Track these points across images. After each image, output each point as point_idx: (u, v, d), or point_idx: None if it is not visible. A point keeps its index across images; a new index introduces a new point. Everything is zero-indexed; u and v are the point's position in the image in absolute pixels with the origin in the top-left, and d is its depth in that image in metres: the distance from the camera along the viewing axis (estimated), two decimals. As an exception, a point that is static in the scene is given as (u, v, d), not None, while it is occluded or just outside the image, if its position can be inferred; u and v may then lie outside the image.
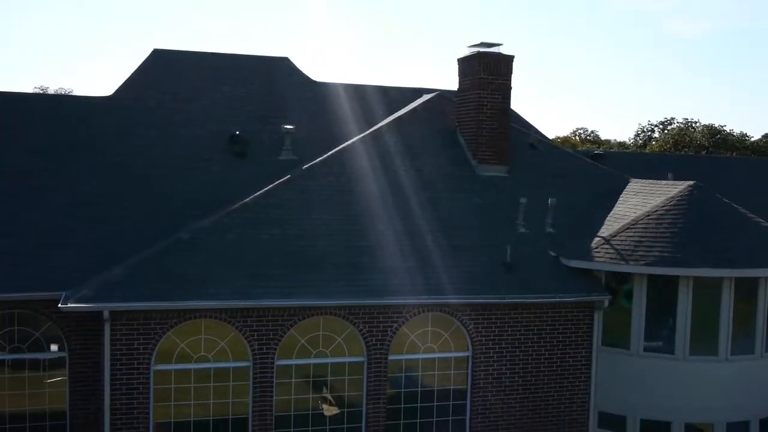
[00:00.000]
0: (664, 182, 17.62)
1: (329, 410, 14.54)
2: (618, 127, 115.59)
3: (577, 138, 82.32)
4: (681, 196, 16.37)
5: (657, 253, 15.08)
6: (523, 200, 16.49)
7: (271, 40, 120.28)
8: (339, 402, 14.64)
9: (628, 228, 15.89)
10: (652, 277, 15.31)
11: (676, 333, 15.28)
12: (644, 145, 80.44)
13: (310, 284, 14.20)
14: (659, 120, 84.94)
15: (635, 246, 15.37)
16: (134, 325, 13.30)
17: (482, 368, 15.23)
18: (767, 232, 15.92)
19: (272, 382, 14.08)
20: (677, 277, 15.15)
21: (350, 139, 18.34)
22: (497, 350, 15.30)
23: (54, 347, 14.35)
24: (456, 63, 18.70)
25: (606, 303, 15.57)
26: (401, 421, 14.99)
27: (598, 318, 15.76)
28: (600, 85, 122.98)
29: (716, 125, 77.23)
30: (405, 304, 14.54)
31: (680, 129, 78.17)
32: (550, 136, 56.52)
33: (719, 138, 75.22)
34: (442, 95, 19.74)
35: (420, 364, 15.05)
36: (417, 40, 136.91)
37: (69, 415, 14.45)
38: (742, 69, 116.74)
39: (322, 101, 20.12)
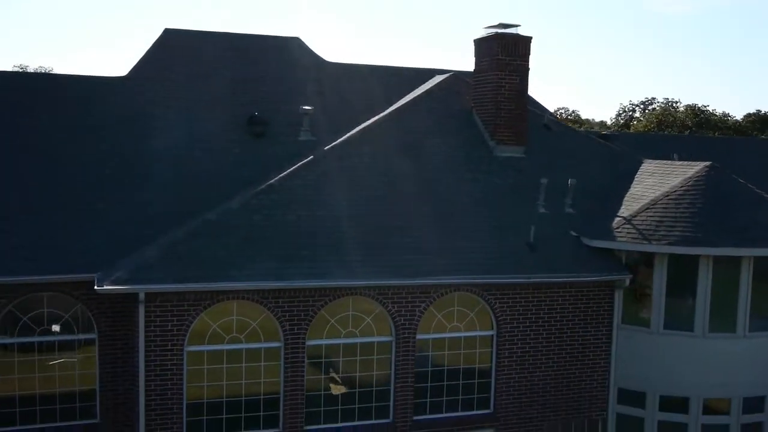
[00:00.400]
0: (679, 163, 17.86)
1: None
2: (599, 106, 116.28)
3: (558, 118, 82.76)
4: (698, 176, 16.61)
5: (678, 233, 15.33)
6: (543, 181, 16.65)
7: (273, 21, 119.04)
8: (368, 381, 14.79)
9: (648, 208, 16.11)
10: (672, 257, 15.58)
11: (695, 311, 15.58)
12: (626, 125, 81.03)
13: (340, 265, 14.28)
14: (640, 100, 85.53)
15: (656, 226, 15.60)
16: (168, 306, 13.32)
17: (506, 347, 15.44)
18: (783, 211, 16.22)
19: (303, 361, 14.19)
20: (697, 256, 15.42)
21: (367, 120, 18.37)
22: (521, 329, 15.51)
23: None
24: (473, 44, 18.74)
25: (627, 282, 15.82)
26: (428, 399, 15.18)
27: (618, 296, 16.02)
28: (580, 65, 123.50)
29: (699, 105, 77.94)
30: (433, 284, 14.67)
31: (664, 109, 78.83)
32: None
33: (702, 118, 75.99)
34: (456, 76, 19.78)
35: (446, 343, 15.22)
36: (409, 21, 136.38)
37: (98, 397, 14.46)
38: (723, 48, 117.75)
39: (336, 82, 20.08)
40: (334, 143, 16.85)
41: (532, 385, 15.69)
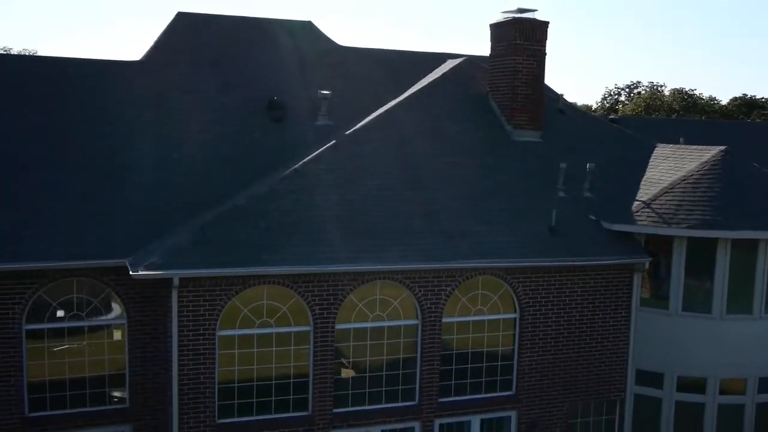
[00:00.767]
0: (693, 147, 18.08)
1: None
2: (583, 90, 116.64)
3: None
4: (714, 161, 16.84)
5: (698, 217, 15.57)
6: (563, 165, 16.81)
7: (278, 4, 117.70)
8: (394, 364, 14.95)
9: (666, 192, 16.33)
10: (690, 240, 15.83)
11: (713, 293, 15.86)
12: (612, 109, 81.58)
13: (368, 249, 14.39)
14: (626, 84, 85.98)
15: (675, 210, 15.83)
16: (200, 291, 13.38)
17: (529, 329, 15.65)
18: (798, 195, 16.51)
19: (332, 345, 14.31)
20: (715, 239, 15.69)
21: (383, 104, 18.42)
22: (543, 312, 15.73)
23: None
24: (488, 28, 18.82)
25: (646, 265, 16.07)
26: (452, 382, 15.39)
27: (637, 279, 16.27)
28: (564, 48, 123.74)
29: (686, 89, 78.52)
30: (459, 268, 14.82)
31: (651, 93, 79.33)
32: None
33: (690, 102, 76.61)
34: (470, 60, 19.85)
35: (470, 326, 15.41)
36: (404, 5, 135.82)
37: (128, 381, 14.51)
38: (708, 31, 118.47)
39: (349, 66, 20.05)
40: (355, 128, 16.90)
41: (554, 367, 15.93)
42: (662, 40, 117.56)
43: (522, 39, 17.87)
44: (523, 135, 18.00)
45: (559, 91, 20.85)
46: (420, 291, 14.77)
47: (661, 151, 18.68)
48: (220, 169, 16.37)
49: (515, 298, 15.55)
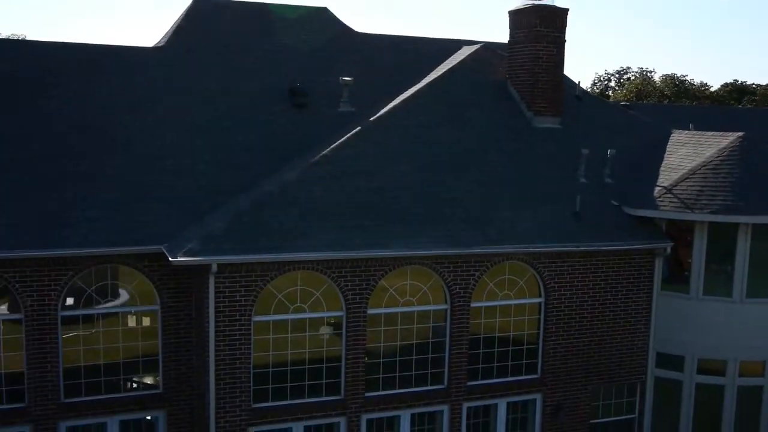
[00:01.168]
0: (710, 133, 18.31)
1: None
2: (573, 76, 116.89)
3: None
4: (733, 147, 17.08)
5: (720, 202, 15.82)
6: (585, 151, 16.99)
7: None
8: (424, 348, 15.14)
9: (687, 178, 16.56)
10: (711, 224, 16.08)
11: (734, 277, 16.14)
12: (602, 95, 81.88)
13: (398, 235, 14.53)
14: (615, 69, 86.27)
15: (697, 195, 16.07)
16: (236, 277, 13.47)
17: (554, 313, 15.88)
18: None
19: (364, 330, 14.47)
20: (736, 224, 15.95)
21: (402, 91, 18.51)
22: (568, 296, 15.95)
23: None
24: (507, 15, 18.91)
25: (668, 250, 16.31)
26: (480, 366, 15.60)
27: (658, 264, 16.52)
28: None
29: (678, 75, 78.94)
30: (488, 253, 15.00)
31: (643, 78, 79.70)
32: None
33: (681, 88, 77.05)
34: (487, 47, 19.95)
35: (497, 310, 15.61)
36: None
37: (161, 367, 14.60)
38: (697, 17, 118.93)
39: (366, 52, 20.09)
40: (378, 114, 16.99)
41: (578, 350, 16.18)
42: (651, 25, 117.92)
43: (543, 26, 17.99)
44: (544, 121, 18.16)
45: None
46: (449, 276, 14.95)
47: (677, 137, 18.89)
48: (245, 155, 16.40)
49: (541, 283, 15.75)
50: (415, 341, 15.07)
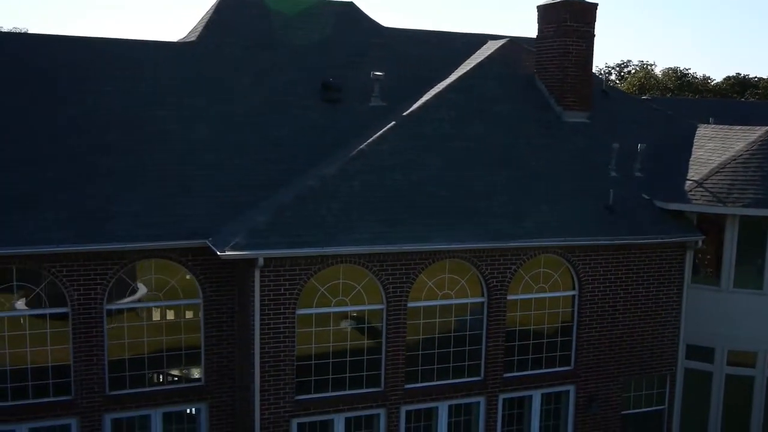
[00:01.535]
0: (737, 128, 18.49)
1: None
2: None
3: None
4: (762, 141, 17.25)
5: (752, 195, 16.00)
6: (615, 145, 17.15)
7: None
8: (461, 340, 15.32)
9: (717, 172, 16.74)
10: (742, 218, 16.26)
11: (764, 270, 16.34)
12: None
13: (438, 229, 14.69)
14: (616, 62, 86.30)
15: (729, 189, 16.25)
16: (281, 271, 13.62)
17: (587, 306, 16.07)
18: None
19: (405, 323, 14.64)
20: (766, 217, 16.13)
21: (430, 85, 18.63)
22: (601, 289, 16.14)
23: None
24: (536, 10, 19.03)
25: (699, 243, 16.49)
26: (515, 358, 15.78)
27: (689, 257, 16.71)
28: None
29: (681, 68, 79.10)
30: (525, 246, 15.17)
31: (646, 72, 79.82)
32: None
33: (684, 81, 77.22)
34: (513, 41, 20.05)
35: (533, 303, 15.78)
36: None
37: (203, 360, 14.75)
38: (702, 11, 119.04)
39: (392, 47, 20.16)
40: (411, 109, 17.10)
41: (610, 342, 16.37)
42: (651, 18, 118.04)
43: (572, 21, 18.11)
44: (573, 116, 18.30)
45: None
46: (487, 269, 15.11)
47: (704, 131, 19.07)
48: (280, 150, 16.51)
49: (575, 276, 15.93)
50: (452, 334, 15.24)
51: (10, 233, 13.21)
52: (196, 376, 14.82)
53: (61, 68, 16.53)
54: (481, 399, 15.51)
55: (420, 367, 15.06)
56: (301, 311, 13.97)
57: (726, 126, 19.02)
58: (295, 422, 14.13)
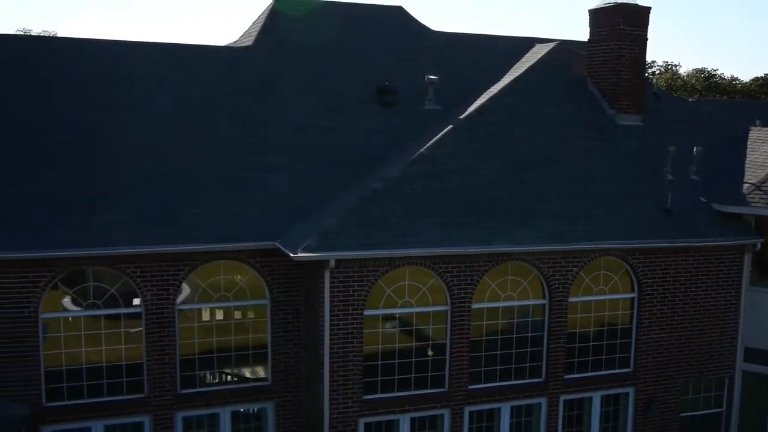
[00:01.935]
0: (791, 130, 18.51)
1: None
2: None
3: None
4: (818, 143, 17.28)
5: (811, 198, 16.03)
6: (671, 148, 17.22)
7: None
8: (523, 342, 15.45)
9: (775, 174, 16.77)
10: (801, 221, 16.30)
11: (824, 272, 16.36)
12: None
13: (501, 231, 14.84)
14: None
15: (787, 192, 16.29)
16: (350, 272, 13.82)
17: (647, 308, 16.14)
18: None
19: (469, 324, 14.80)
20: (826, 220, 16.17)
21: (483, 88, 18.76)
22: (660, 291, 16.21)
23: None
24: (588, 14, 19.13)
25: (758, 245, 16.53)
26: (575, 360, 15.89)
27: (747, 260, 16.74)
28: (576, 25, 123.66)
29: (708, 69, 78.55)
30: (586, 249, 15.28)
31: (672, 73, 79.38)
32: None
33: (712, 82, 76.69)
34: (563, 45, 20.15)
35: (593, 305, 15.89)
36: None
37: (270, 360, 14.99)
38: (729, 11, 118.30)
39: (442, 51, 20.33)
40: (467, 113, 17.26)
41: (669, 344, 16.44)
42: (674, 18, 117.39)
43: (626, 24, 18.20)
44: (626, 119, 18.38)
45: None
46: (549, 272, 15.24)
47: (757, 134, 19.09)
48: (339, 153, 16.71)
49: (634, 278, 16.02)
50: (514, 335, 15.38)
51: (86, 235, 13.51)
52: (263, 376, 15.04)
53: (121, 72, 16.79)
54: (543, 400, 15.63)
55: (483, 368, 15.21)
56: (368, 312, 14.16)
57: (780, 128, 19.03)
58: (362, 422, 14.33)
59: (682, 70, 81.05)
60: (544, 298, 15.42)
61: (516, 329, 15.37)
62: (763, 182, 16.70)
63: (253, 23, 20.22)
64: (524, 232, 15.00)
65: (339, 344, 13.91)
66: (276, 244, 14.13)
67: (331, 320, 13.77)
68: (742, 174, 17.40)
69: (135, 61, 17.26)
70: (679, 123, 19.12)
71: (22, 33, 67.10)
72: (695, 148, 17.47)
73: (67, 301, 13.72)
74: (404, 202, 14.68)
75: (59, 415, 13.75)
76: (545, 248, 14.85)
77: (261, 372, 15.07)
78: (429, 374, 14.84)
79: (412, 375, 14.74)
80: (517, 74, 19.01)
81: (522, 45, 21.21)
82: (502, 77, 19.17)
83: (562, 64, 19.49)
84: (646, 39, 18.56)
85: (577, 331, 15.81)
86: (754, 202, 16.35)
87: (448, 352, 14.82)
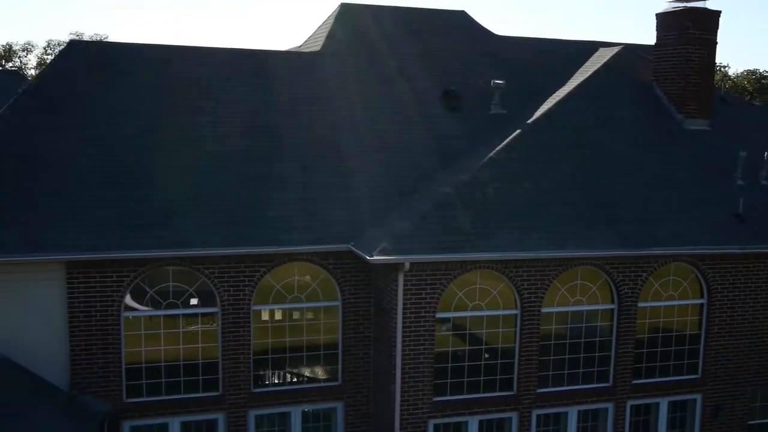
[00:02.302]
0: None
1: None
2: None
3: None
4: None
5: None
6: (743, 153, 17.06)
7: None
8: (591, 347, 15.46)
9: None
10: None
11: None
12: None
13: (572, 236, 14.87)
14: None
15: None
16: (423, 275, 13.99)
17: (717, 314, 16.03)
18: None
19: (538, 328, 14.86)
20: None
21: (548, 92, 18.77)
22: (730, 297, 16.08)
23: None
24: (654, 17, 19.03)
25: (831, 253, 16.29)
26: (643, 365, 15.85)
27: (819, 266, 16.51)
28: (615, 28, 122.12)
29: (760, 71, 77.02)
30: (657, 254, 15.23)
31: (723, 74, 77.98)
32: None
33: (763, 84, 75.21)
34: (627, 48, 20.05)
35: (662, 310, 15.83)
36: None
37: (341, 360, 15.23)
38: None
39: (505, 55, 20.35)
40: (534, 117, 17.30)
41: (738, 351, 16.30)
42: (723, 18, 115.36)
43: (695, 28, 18.06)
44: (694, 123, 18.24)
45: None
46: (618, 276, 15.23)
47: (828, 139, 18.77)
48: (408, 157, 16.85)
49: (704, 284, 15.91)
50: (583, 340, 15.39)
51: (168, 236, 13.88)
52: (333, 376, 15.29)
53: (194, 79, 17.14)
54: (610, 405, 15.62)
55: (551, 372, 15.26)
56: (440, 314, 14.31)
57: None
58: (431, 423, 14.48)
59: (731, 71, 79.67)
60: (613, 302, 15.41)
61: (584, 333, 15.38)
62: (837, 188, 16.45)
63: (319, 28, 20.51)
64: (596, 236, 15.01)
65: (411, 346, 14.08)
66: (350, 246, 14.36)
67: (403, 322, 13.95)
68: (814, 180, 17.15)
69: (212, 66, 17.60)
70: (747, 127, 18.90)
71: (75, 37, 68.62)
72: (766, 153, 17.27)
73: (146, 300, 14.11)
74: (476, 207, 14.80)
75: (138, 411, 14.17)
76: (618, 253, 14.85)
77: (331, 372, 15.31)
78: (498, 377, 14.94)
79: (481, 377, 14.85)
80: (582, 78, 18.98)
81: (585, 49, 21.13)
82: (566, 81, 19.15)
83: (627, 68, 19.40)
84: (716, 43, 18.39)
85: (646, 336, 15.77)
86: (828, 209, 16.12)
87: (517, 356, 14.90)
